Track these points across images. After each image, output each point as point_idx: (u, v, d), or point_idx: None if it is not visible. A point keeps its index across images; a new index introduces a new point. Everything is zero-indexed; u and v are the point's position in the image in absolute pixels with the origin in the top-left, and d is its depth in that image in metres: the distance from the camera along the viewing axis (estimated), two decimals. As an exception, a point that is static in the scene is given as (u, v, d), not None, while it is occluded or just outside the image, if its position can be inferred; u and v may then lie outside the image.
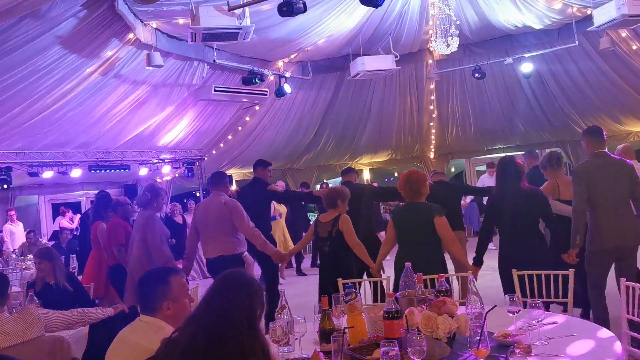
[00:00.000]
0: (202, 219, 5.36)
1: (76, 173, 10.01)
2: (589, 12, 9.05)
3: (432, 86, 12.49)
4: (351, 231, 4.78)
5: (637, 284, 3.16)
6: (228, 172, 13.35)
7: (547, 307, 3.40)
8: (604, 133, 4.57)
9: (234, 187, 9.79)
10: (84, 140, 9.81)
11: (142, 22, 7.45)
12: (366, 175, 15.40)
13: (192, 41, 7.03)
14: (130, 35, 7.37)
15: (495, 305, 2.60)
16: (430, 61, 11.78)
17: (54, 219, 12.40)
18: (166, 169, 11.65)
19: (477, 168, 15.87)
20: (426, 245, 4.18)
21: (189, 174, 12.11)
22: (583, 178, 4.32)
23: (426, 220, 4.18)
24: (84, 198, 12.84)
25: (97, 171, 10.28)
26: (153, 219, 5.38)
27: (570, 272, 3.64)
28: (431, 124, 13.76)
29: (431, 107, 13.12)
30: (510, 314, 2.70)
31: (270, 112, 11.96)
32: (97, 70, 7.78)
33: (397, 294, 2.95)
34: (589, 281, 4.37)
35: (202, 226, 5.37)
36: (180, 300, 2.39)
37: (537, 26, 10.38)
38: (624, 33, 9.72)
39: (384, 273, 4.88)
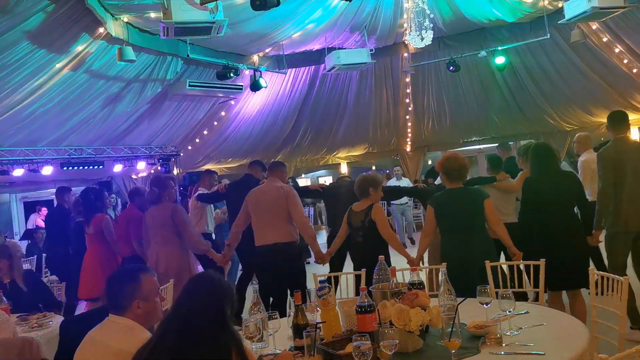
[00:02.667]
0: (257, 204, 5.08)
1: (47, 170, 9.81)
2: (560, 5, 9.15)
3: (407, 79, 12.54)
4: (385, 222, 4.58)
5: (607, 273, 3.21)
6: (204, 168, 13.28)
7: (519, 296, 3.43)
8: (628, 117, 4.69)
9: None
10: (56, 137, 9.63)
11: (112, 16, 7.33)
12: (344, 169, 15.42)
13: (164, 36, 6.92)
14: (101, 30, 7.24)
15: (467, 297, 2.62)
16: (405, 54, 11.82)
17: (26, 218, 12.17)
18: (141, 165, 11.51)
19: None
20: (478, 230, 4.05)
21: (165, 170, 11.99)
22: (609, 162, 4.43)
23: (478, 203, 4.05)
24: (57, 196, 12.62)
25: (70, 168, 10.10)
26: (179, 211, 5.19)
27: (542, 261, 3.69)
28: (407, 117, 13.83)
29: (407, 100, 13.18)
30: (482, 305, 2.73)
31: (246, 106, 11.89)
32: (67, 65, 7.63)
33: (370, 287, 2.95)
34: (610, 264, 4.44)
35: (256, 212, 5.08)
36: (151, 299, 2.38)
37: (510, 19, 10.48)
38: (594, 26, 9.86)
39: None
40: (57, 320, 4.02)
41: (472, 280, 3.28)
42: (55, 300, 4.89)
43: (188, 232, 5.17)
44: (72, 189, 7.85)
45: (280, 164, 5.52)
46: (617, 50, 10.39)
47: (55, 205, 7.96)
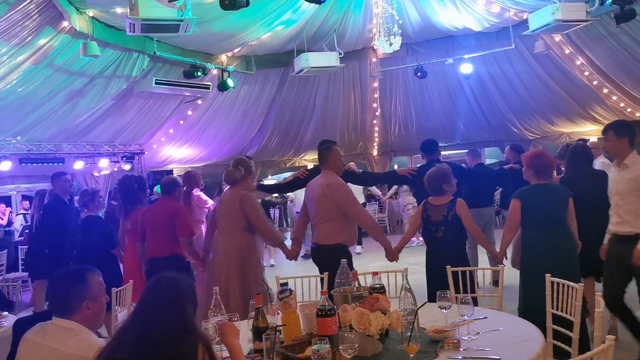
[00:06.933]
0: (310, 199, 4.71)
1: (5, 166, 9.52)
2: (525, 16, 9.37)
3: (375, 84, 12.64)
4: (470, 216, 4.43)
5: (562, 280, 3.28)
6: (169, 167, 13.11)
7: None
8: None
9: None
10: (15, 132, 9.36)
11: (77, 10, 7.18)
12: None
13: (130, 32, 6.81)
14: (65, 24, 7.09)
15: (426, 302, 2.65)
16: (374, 59, 11.92)
17: (-18, 214, 11.77)
18: (103, 162, 11.26)
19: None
20: (563, 225, 4.11)
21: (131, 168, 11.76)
22: None
23: (564, 200, 4.12)
24: (15, 192, 12.26)
25: (29, 164, 9.82)
26: (249, 198, 4.61)
27: (501, 268, 3.76)
28: (374, 121, 13.94)
29: (374, 105, 13.28)
30: (441, 310, 2.76)
31: (213, 106, 11.79)
32: (29, 59, 7.43)
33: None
34: None
35: (310, 208, 4.74)
36: (99, 299, 2.35)
37: (477, 28, 10.68)
38: (557, 37, 10.14)
39: None
40: (10, 320, 3.90)
41: (556, 272, 3.39)
42: (6, 300, 4.73)
43: (259, 223, 4.61)
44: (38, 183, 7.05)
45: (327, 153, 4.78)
46: (578, 63, 10.69)
47: (50, 194, 6.79)
